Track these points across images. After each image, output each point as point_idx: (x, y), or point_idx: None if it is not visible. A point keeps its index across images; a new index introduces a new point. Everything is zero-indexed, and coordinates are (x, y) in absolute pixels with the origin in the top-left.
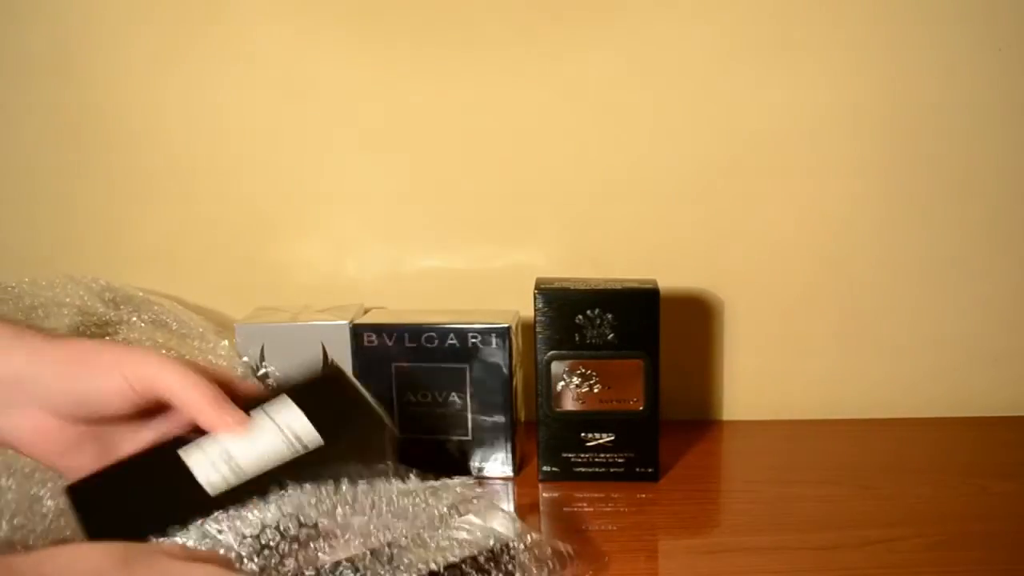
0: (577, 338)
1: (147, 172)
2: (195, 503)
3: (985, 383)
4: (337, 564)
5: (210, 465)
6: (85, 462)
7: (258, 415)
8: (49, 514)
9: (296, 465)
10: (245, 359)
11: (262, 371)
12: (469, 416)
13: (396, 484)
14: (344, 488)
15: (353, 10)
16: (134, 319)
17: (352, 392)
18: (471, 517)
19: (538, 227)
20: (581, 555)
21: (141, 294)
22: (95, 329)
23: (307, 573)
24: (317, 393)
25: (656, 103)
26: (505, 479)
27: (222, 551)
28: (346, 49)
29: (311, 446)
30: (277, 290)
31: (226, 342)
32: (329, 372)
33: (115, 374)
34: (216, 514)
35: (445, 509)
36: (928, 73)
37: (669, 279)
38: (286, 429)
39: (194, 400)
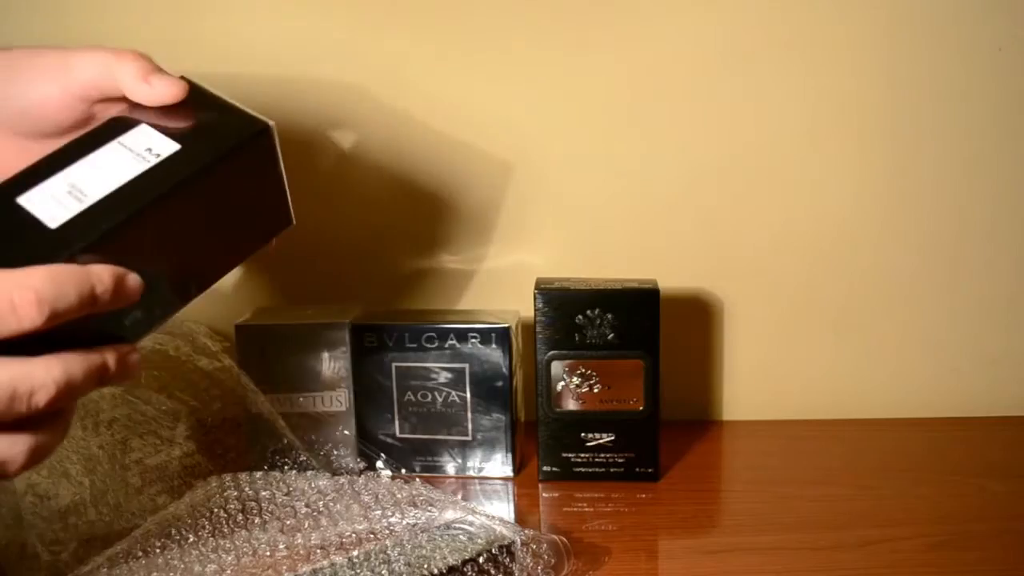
0: (577, 338)
1: None
2: (40, 241)
3: (984, 383)
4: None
5: (52, 200)
6: None
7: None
8: (49, 515)
9: (152, 177)
10: (247, 367)
11: (263, 378)
12: (469, 416)
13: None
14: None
15: (351, 4)
16: None
17: (213, 100)
18: (470, 518)
19: (538, 227)
20: (581, 555)
21: None
22: None
23: (302, 570)
24: (171, 110)
25: (656, 103)
26: (505, 479)
27: None
28: (344, 46)
29: (165, 154)
30: (277, 290)
31: (227, 351)
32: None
33: (57, 76)
34: None
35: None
36: (928, 73)
37: (669, 279)
38: (134, 145)
39: (128, 74)
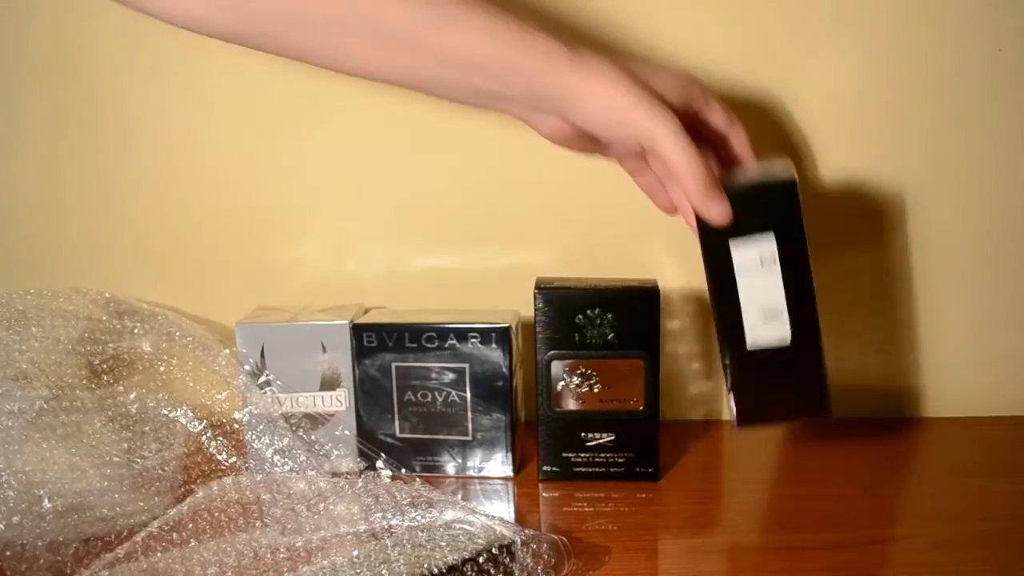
0: (577, 338)
1: (145, 172)
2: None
3: (985, 383)
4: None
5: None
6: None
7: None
8: (48, 515)
9: (791, 277)
10: (247, 367)
11: (263, 378)
12: (469, 416)
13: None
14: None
15: None
16: (137, 330)
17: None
18: (470, 517)
19: (538, 227)
20: (581, 555)
21: (146, 306)
22: (102, 337)
23: (302, 570)
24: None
25: None
26: (505, 479)
27: None
28: None
29: (776, 253)
30: (277, 290)
31: (228, 351)
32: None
33: (599, 104)
34: None
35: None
36: (928, 73)
37: (669, 279)
38: (756, 260)
39: (685, 168)
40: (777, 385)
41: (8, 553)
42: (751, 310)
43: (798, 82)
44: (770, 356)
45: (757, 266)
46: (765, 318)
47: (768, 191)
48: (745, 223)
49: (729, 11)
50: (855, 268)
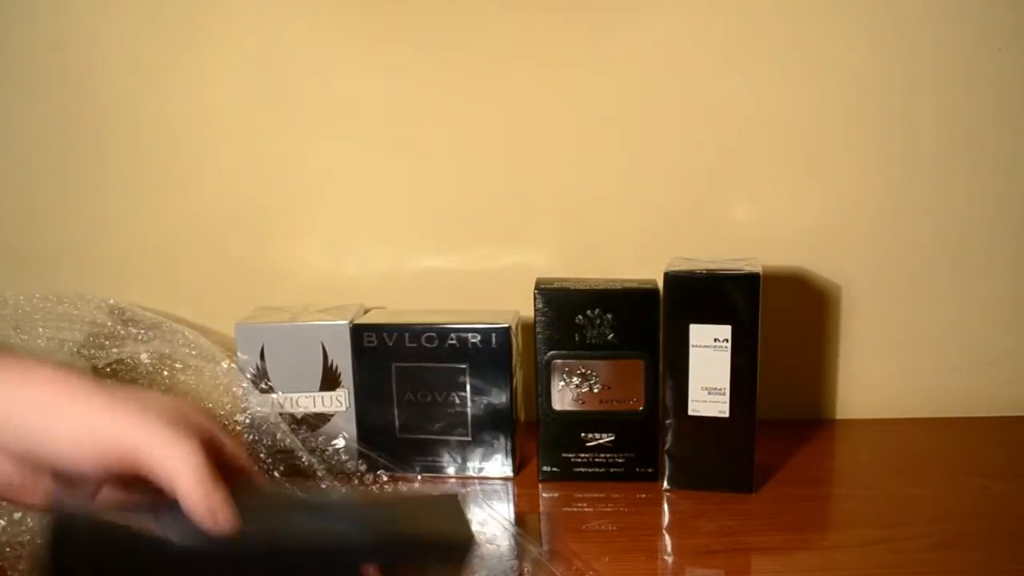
0: (577, 338)
1: (146, 172)
2: None
3: (985, 383)
4: None
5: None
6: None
7: None
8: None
9: None
10: (249, 374)
11: (264, 384)
12: (469, 416)
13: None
14: None
15: (354, 11)
16: (141, 337)
17: None
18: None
19: (538, 227)
20: (581, 555)
21: (149, 314)
22: (105, 342)
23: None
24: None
25: (656, 103)
26: (505, 479)
27: None
28: (348, 50)
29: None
30: (277, 290)
31: (228, 362)
32: None
33: (84, 428)
34: None
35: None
36: (928, 73)
37: None
38: None
39: (184, 486)
40: (709, 455)
41: (9, 551)
42: (697, 383)
43: (796, 83)
44: (708, 425)
45: (710, 346)
46: (709, 392)
47: (732, 283)
48: (707, 311)
49: (727, 10)
50: (855, 269)
